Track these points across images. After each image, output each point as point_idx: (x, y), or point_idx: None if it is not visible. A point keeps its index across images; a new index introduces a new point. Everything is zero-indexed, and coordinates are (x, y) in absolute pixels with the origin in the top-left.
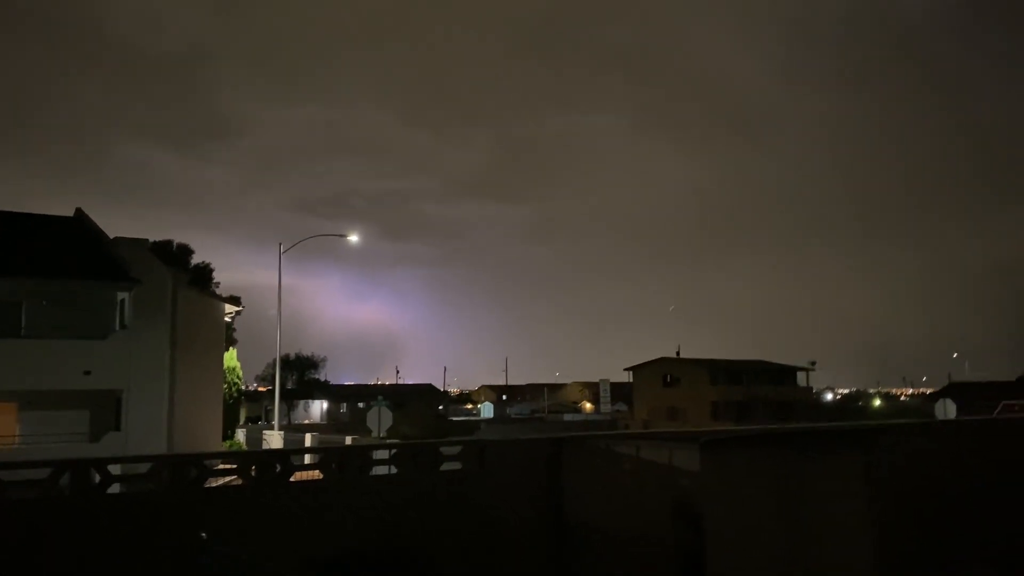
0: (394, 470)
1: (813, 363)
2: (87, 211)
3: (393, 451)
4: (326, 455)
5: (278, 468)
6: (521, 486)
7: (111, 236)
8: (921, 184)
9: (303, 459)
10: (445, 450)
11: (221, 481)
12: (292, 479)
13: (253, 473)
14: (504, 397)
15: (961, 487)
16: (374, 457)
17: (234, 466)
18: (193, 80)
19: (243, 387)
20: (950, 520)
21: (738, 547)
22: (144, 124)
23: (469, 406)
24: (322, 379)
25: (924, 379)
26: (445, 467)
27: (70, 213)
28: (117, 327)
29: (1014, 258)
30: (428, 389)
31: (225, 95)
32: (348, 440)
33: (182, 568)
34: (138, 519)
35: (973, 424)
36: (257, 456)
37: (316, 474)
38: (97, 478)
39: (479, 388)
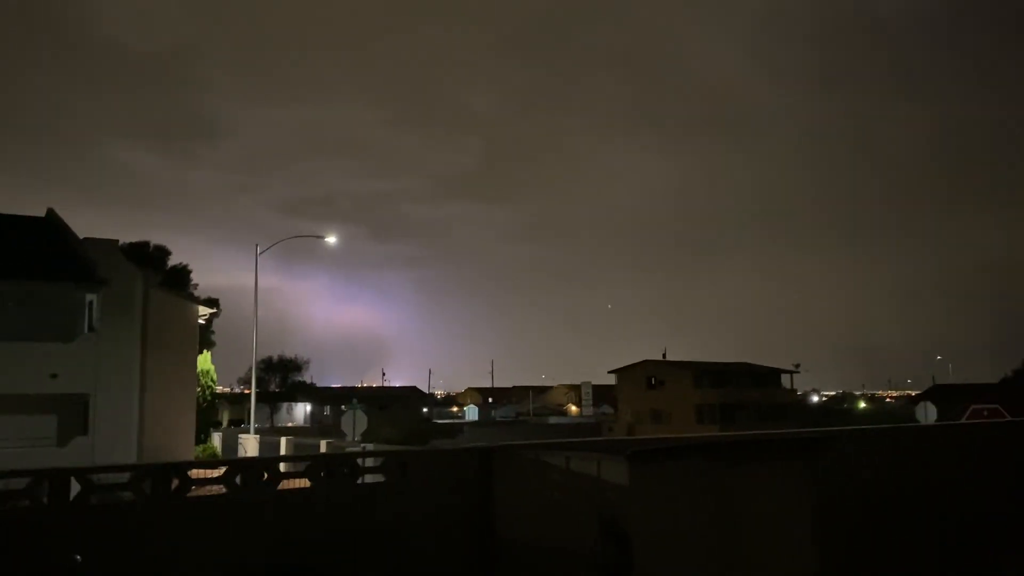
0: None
1: (797, 365)
2: (66, 211)
3: (307, 464)
4: (231, 468)
5: (175, 483)
6: (447, 499)
7: (89, 236)
8: (903, 186)
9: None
10: (367, 462)
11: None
12: (193, 494)
13: (146, 489)
14: (491, 400)
15: (912, 497)
16: (283, 469)
17: (124, 481)
18: (179, 81)
19: (217, 389)
20: (896, 530)
21: (668, 562)
22: (128, 124)
23: (455, 409)
24: (307, 381)
25: (908, 381)
26: (369, 479)
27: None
28: (85, 329)
29: (996, 259)
30: (412, 392)
31: (211, 96)
32: (323, 445)
33: None
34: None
35: (933, 431)
36: (150, 470)
37: (220, 488)
38: None
39: (465, 391)
